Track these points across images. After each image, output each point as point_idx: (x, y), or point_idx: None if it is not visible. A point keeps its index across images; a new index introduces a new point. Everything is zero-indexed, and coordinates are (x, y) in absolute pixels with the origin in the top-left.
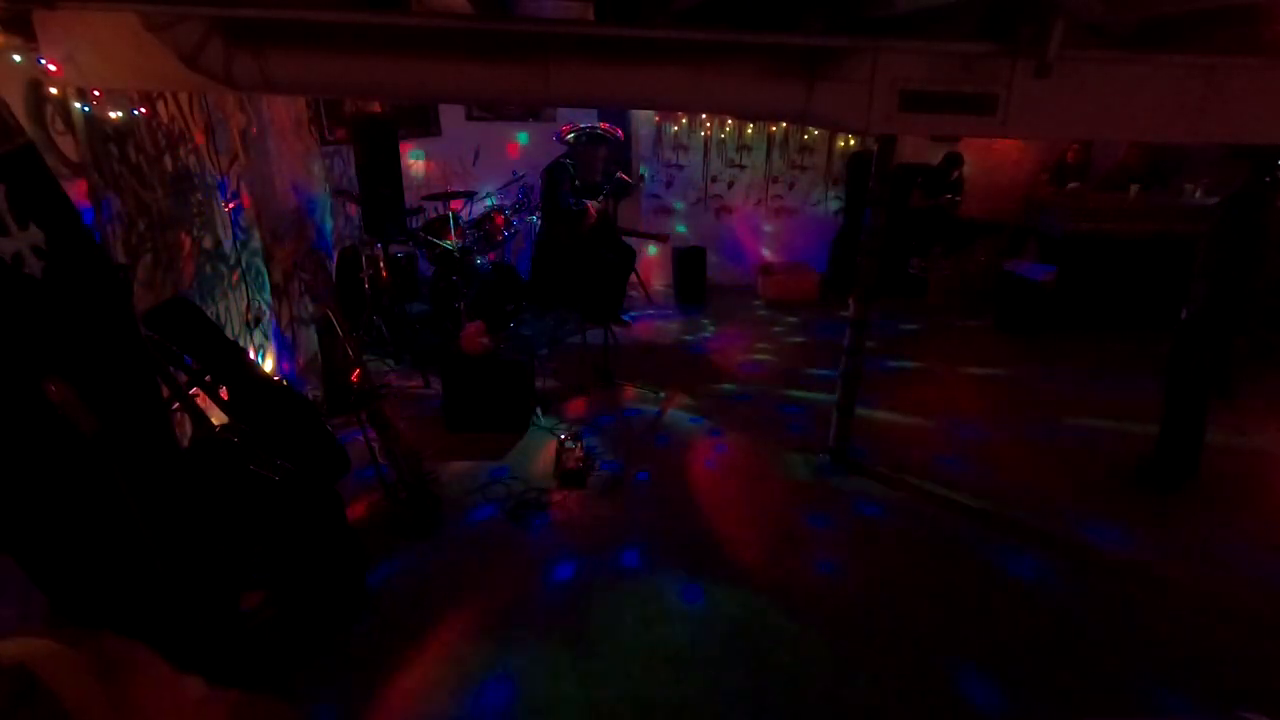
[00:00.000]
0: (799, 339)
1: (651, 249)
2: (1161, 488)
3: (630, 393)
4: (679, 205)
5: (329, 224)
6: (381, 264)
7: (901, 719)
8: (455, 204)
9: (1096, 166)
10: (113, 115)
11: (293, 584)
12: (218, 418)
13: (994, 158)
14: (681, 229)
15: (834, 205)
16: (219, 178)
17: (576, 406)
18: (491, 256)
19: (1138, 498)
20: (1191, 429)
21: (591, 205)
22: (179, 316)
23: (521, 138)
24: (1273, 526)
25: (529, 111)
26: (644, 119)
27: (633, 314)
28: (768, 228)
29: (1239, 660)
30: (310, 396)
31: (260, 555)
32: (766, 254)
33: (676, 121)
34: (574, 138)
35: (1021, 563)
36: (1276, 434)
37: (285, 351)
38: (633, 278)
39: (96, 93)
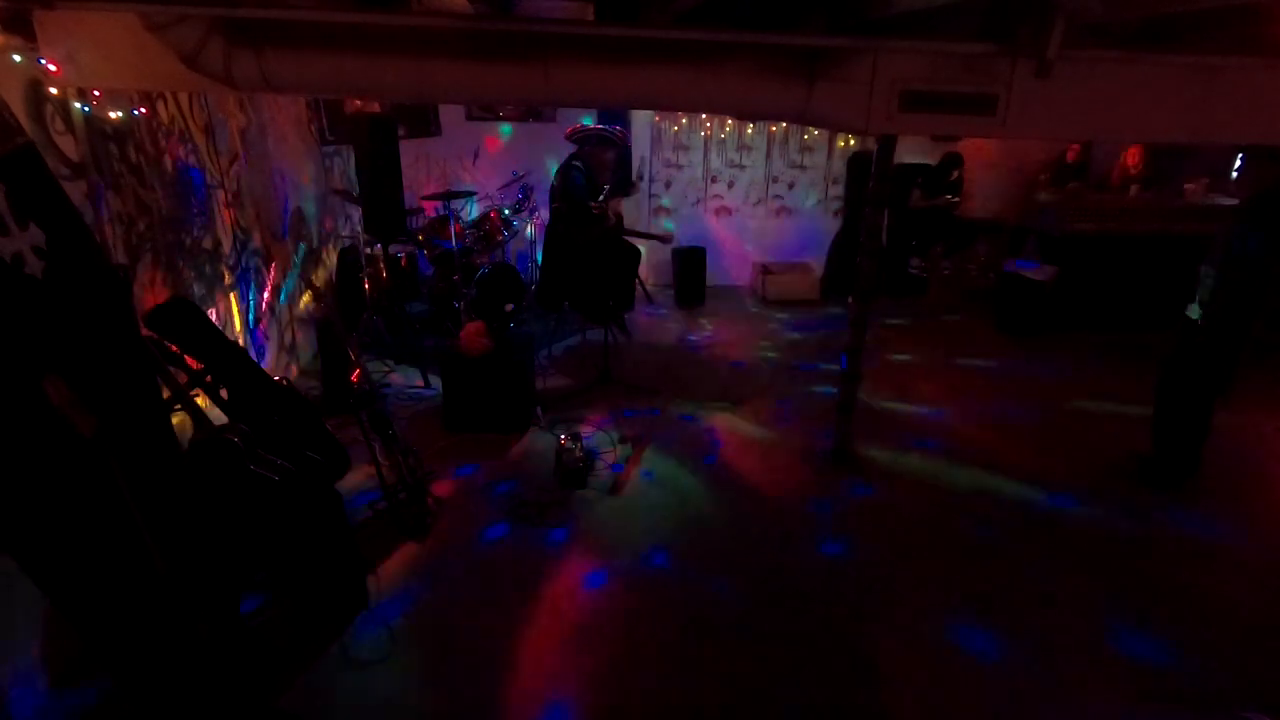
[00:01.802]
0: (798, 339)
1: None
2: (1163, 486)
3: (630, 393)
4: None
5: (329, 224)
6: (381, 264)
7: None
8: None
9: (1096, 166)
10: (113, 115)
11: (293, 584)
12: (218, 418)
13: (993, 157)
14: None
15: (834, 205)
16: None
17: (577, 406)
18: (485, 260)
19: (1140, 497)
20: (1195, 428)
21: (611, 206)
22: (179, 316)
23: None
24: (1272, 525)
25: (529, 111)
26: (643, 118)
27: (647, 309)
28: (768, 228)
29: (1239, 660)
30: (310, 396)
31: (260, 555)
32: (766, 254)
33: (676, 121)
34: (583, 139)
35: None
36: (1275, 434)
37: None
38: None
39: (96, 93)
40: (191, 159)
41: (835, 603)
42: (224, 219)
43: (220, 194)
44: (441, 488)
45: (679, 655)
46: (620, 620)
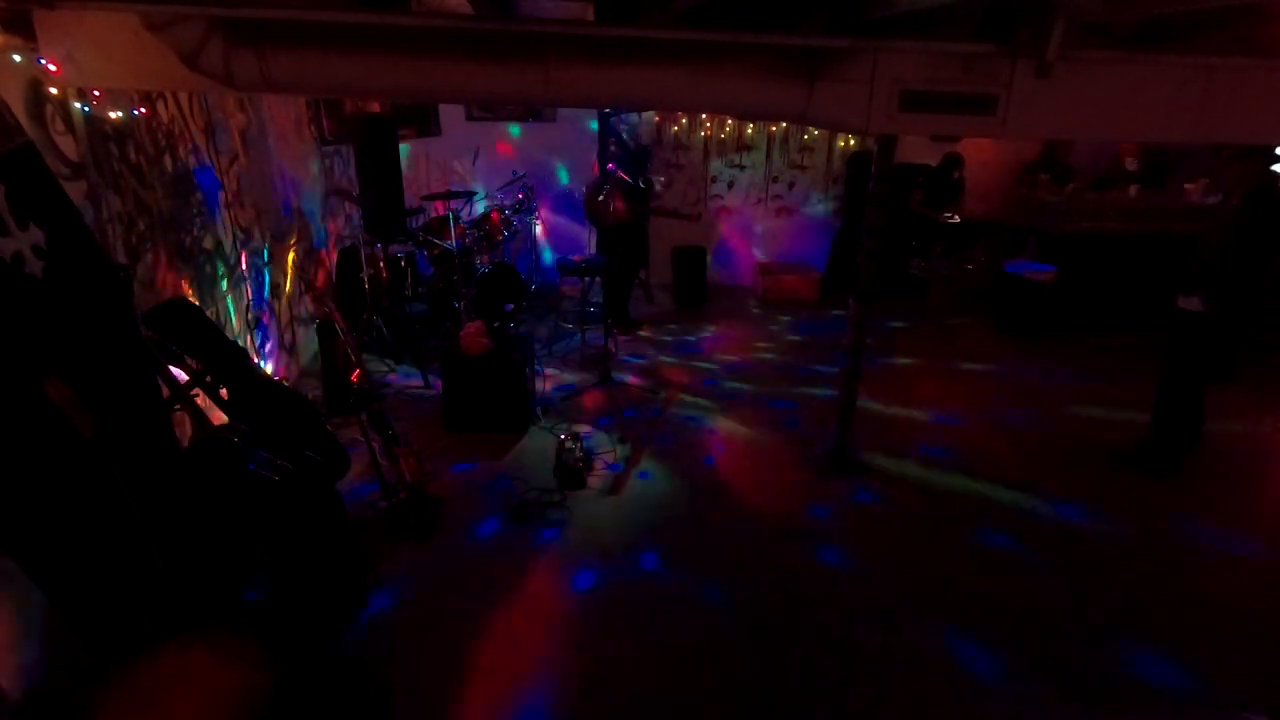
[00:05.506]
0: (798, 340)
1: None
2: (1159, 471)
3: (630, 393)
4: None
5: (329, 224)
6: (381, 264)
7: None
8: None
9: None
10: (113, 115)
11: (293, 584)
12: (218, 418)
13: (989, 156)
14: None
15: (833, 205)
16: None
17: (577, 406)
18: (486, 259)
19: (1132, 481)
20: (1189, 411)
21: (656, 182)
22: (179, 316)
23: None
24: (1260, 513)
25: (528, 111)
26: (643, 118)
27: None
28: (768, 228)
29: (1234, 651)
30: (310, 396)
31: (260, 555)
32: (765, 254)
33: (676, 121)
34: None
35: (1013, 556)
36: (1273, 424)
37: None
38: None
39: (96, 93)
40: (191, 159)
41: (831, 608)
42: (224, 219)
43: (220, 194)
44: (441, 487)
45: (670, 654)
46: (611, 620)
